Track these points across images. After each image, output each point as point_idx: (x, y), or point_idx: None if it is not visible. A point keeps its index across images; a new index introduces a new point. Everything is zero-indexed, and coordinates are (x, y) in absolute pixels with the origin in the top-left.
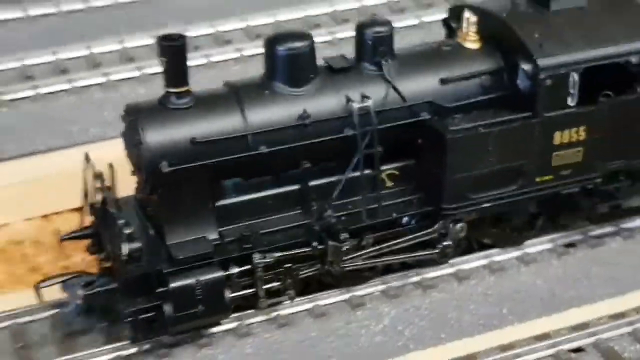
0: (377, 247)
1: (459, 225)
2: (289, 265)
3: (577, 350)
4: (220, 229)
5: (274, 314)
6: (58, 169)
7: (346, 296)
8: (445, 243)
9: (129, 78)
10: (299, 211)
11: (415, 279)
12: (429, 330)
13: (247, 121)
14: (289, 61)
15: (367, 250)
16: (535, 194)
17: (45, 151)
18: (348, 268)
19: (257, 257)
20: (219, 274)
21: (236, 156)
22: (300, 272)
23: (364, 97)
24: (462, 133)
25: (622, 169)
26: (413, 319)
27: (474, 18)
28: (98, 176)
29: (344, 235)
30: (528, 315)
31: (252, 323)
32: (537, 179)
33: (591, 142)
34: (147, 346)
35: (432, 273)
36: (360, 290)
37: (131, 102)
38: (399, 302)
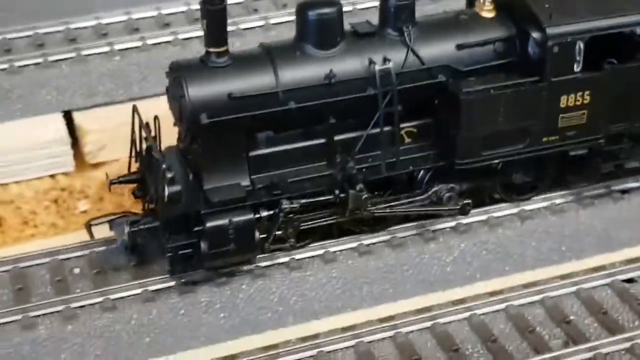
0: (396, 198)
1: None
2: (312, 212)
3: (630, 280)
4: (253, 177)
5: (356, 243)
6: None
7: (420, 230)
8: (465, 201)
9: None
10: (324, 163)
11: (482, 217)
12: (494, 263)
13: (279, 79)
14: (318, 25)
15: (387, 200)
16: (542, 153)
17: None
18: (373, 214)
19: (284, 203)
20: (250, 216)
21: (268, 111)
22: (320, 220)
23: (386, 60)
24: (475, 94)
25: (624, 132)
26: (480, 253)
27: None
28: (145, 126)
29: (359, 186)
30: (585, 252)
31: (337, 251)
32: (544, 139)
33: (595, 105)
34: (246, 267)
35: (498, 212)
36: (433, 226)
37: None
38: (467, 237)
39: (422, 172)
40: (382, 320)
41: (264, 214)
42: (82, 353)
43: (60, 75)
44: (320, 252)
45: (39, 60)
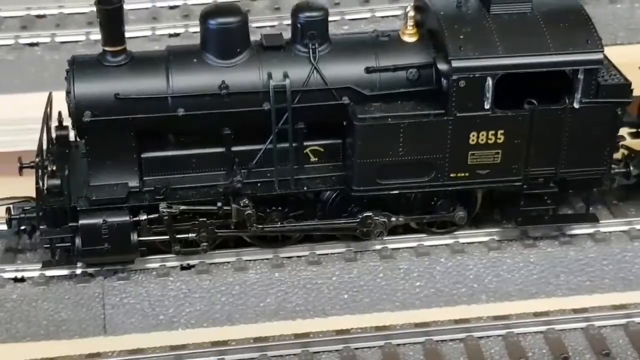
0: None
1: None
2: (203, 219)
3: None
4: (146, 179)
5: (558, 232)
6: None
7: (627, 227)
8: (366, 214)
9: None
10: (219, 172)
11: None
12: None
13: (170, 84)
14: (217, 34)
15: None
16: (449, 188)
17: None
18: (263, 232)
19: (162, 207)
20: (125, 218)
21: (155, 115)
22: (216, 229)
23: (285, 76)
24: (369, 121)
25: (548, 176)
26: None
27: (412, 13)
28: (58, 115)
29: (244, 201)
30: None
31: (538, 237)
32: (452, 175)
33: (510, 146)
34: (446, 241)
35: None
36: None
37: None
38: None
39: (328, 193)
40: (575, 311)
41: (143, 217)
42: (285, 299)
43: None
44: (520, 236)
45: None
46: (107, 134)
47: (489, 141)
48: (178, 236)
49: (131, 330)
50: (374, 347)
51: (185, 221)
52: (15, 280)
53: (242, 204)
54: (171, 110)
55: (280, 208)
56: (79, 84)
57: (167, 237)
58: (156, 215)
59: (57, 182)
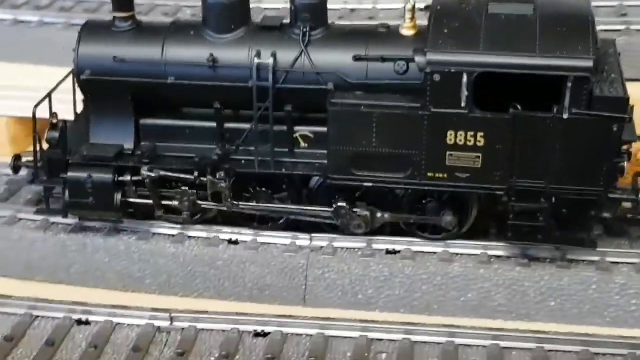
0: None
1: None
2: (185, 188)
3: None
4: (143, 143)
5: None
6: None
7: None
8: (340, 204)
9: None
10: (212, 147)
11: None
12: None
13: (165, 53)
14: (213, 9)
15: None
16: (426, 188)
17: None
18: (240, 209)
19: (144, 170)
20: (109, 176)
21: (148, 80)
22: (198, 200)
23: (274, 56)
24: (342, 107)
25: (537, 191)
26: None
27: (409, 6)
28: None
29: (219, 174)
30: None
31: None
32: (430, 174)
33: (491, 151)
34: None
35: None
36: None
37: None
38: None
39: (316, 179)
40: None
41: (127, 178)
42: (487, 297)
43: None
44: None
45: None
46: (106, 94)
47: (468, 143)
48: (163, 202)
49: (329, 304)
50: (570, 351)
51: (172, 189)
52: (230, 242)
53: (217, 177)
54: (163, 77)
55: (264, 189)
56: (83, 44)
57: (151, 201)
58: (138, 177)
59: (56, 134)
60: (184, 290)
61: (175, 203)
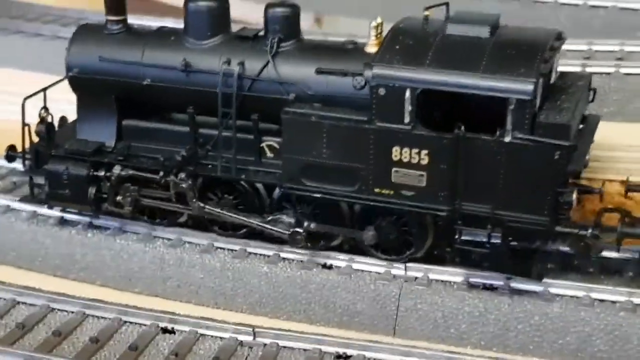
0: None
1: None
2: (128, 184)
3: None
4: (121, 142)
5: None
6: None
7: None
8: (296, 229)
9: None
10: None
11: None
12: None
13: (144, 56)
14: (191, 16)
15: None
16: (372, 203)
17: None
18: (205, 212)
19: (116, 168)
20: (84, 171)
21: (126, 80)
22: (140, 196)
23: (241, 64)
24: (292, 115)
25: (484, 215)
26: None
27: (375, 23)
28: None
29: (182, 175)
30: None
31: None
32: (377, 189)
33: (435, 170)
34: None
35: None
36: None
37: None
38: None
39: (277, 189)
40: None
41: (101, 173)
42: (586, 342)
43: None
44: None
45: None
46: (92, 92)
47: (413, 160)
48: (117, 198)
49: (419, 337)
50: None
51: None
52: (324, 266)
53: (179, 178)
54: (140, 79)
55: (230, 197)
56: (75, 44)
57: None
58: (109, 174)
59: (42, 128)
60: (273, 312)
61: (119, 198)
